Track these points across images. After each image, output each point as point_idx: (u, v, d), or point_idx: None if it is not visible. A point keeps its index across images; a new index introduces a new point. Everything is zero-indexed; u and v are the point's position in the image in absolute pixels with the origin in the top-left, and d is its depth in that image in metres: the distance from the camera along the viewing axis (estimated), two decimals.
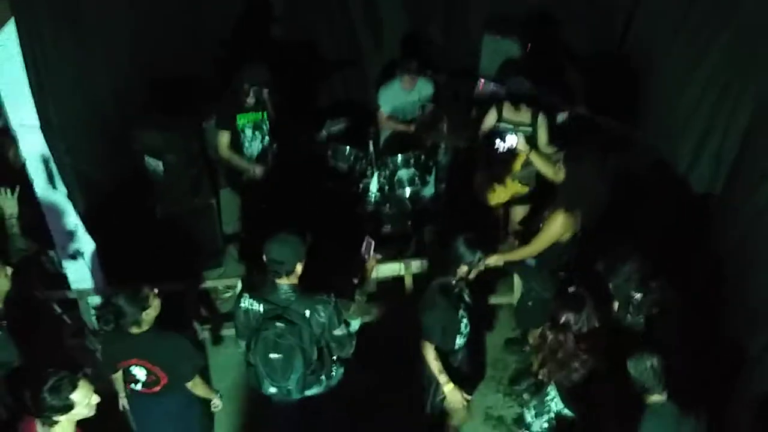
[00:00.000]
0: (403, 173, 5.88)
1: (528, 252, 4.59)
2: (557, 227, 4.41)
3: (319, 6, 6.97)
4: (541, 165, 4.89)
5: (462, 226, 4.37)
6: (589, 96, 6.18)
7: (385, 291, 5.44)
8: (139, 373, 3.89)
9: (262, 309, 3.81)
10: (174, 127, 5.59)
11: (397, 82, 6.15)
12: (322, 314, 3.77)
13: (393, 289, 5.37)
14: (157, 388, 3.92)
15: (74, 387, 3.09)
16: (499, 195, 5.52)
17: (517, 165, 5.30)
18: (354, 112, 6.70)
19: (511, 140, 4.98)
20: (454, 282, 4.10)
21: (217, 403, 4.25)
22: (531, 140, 5.11)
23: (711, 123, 4.77)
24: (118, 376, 4.02)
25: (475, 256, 4.03)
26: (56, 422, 3.12)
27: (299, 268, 3.77)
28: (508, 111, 5.39)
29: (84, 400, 3.13)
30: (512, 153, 5.13)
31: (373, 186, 5.93)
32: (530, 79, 5.38)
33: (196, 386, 4.04)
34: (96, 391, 3.20)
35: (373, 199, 5.94)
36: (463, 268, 4.07)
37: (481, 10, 6.83)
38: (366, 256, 4.34)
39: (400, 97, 6.20)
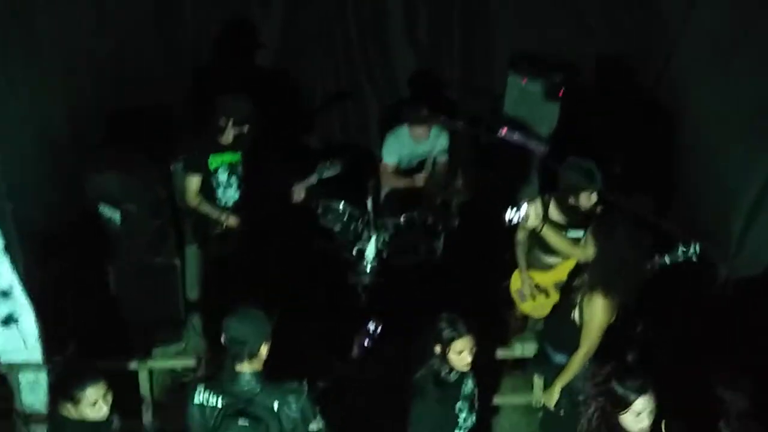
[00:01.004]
0: (406, 236, 5.95)
1: (582, 359, 4.62)
2: (601, 315, 4.47)
3: (316, 32, 7.13)
4: (558, 243, 4.93)
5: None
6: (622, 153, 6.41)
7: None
8: None
9: (220, 403, 3.79)
10: (136, 170, 5.62)
11: (405, 130, 6.24)
12: (294, 406, 3.77)
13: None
14: None
15: None
16: (539, 306, 5.51)
17: (564, 272, 5.28)
18: (351, 157, 6.79)
19: (524, 210, 4.86)
20: (443, 369, 4.16)
21: None
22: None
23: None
24: None
25: (452, 334, 4.10)
26: None
27: (264, 350, 3.77)
28: (559, 208, 5.24)
29: None
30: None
31: (370, 252, 5.98)
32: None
33: None
34: None
35: (368, 268, 5.98)
36: (437, 348, 4.14)
37: (505, 48, 7.04)
38: (363, 346, 4.38)
39: (409, 147, 6.30)
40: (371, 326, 4.45)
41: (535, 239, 5.19)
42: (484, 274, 5.92)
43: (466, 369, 4.24)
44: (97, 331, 5.29)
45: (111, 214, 5.58)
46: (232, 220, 5.71)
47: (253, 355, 3.75)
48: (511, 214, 4.89)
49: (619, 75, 6.89)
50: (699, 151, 5.94)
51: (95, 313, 5.42)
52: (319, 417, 3.87)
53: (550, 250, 5.17)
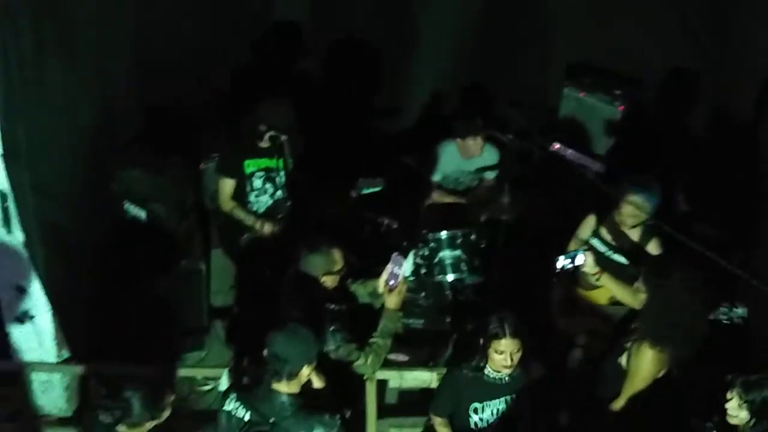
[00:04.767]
0: (447, 255, 5.89)
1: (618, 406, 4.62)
2: (647, 366, 4.43)
3: (363, 42, 7.16)
4: (618, 291, 4.96)
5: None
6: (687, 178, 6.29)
7: (408, 406, 5.42)
8: None
9: (247, 417, 3.83)
10: (164, 169, 5.71)
11: (453, 146, 6.25)
12: None
13: (420, 405, 5.35)
14: None
15: None
16: None
17: (603, 297, 5.30)
18: (394, 173, 6.78)
19: (579, 259, 4.96)
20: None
21: None
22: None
23: None
24: None
25: (497, 330, 4.27)
26: None
27: (305, 372, 3.80)
28: (609, 228, 5.31)
29: None
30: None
31: (407, 267, 5.95)
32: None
33: None
34: None
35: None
36: (480, 340, 4.34)
37: (561, 59, 6.98)
38: (392, 281, 4.38)
39: (456, 163, 6.30)
40: (394, 266, 4.47)
41: None
42: (529, 294, 5.82)
43: (504, 372, 4.38)
44: (117, 336, 5.32)
45: (137, 213, 5.66)
46: (267, 228, 5.73)
47: (292, 375, 3.78)
48: (563, 262, 4.99)
49: (688, 91, 6.76)
50: None
51: (115, 316, 5.46)
52: None
53: None
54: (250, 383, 4.06)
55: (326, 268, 4.53)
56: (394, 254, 4.53)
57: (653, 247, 5.26)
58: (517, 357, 4.33)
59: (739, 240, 5.99)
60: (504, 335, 4.27)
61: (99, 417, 3.84)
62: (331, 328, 4.34)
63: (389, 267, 4.48)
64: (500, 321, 4.31)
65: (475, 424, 4.54)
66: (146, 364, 5.07)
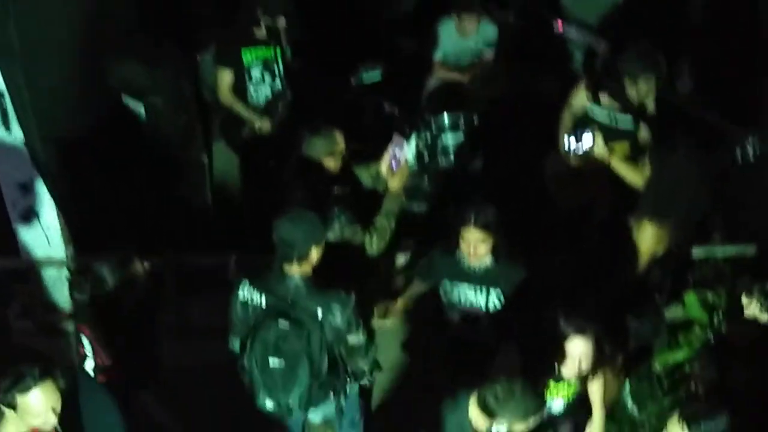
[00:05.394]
0: (449, 138, 5.89)
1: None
2: (647, 242, 4.45)
3: None
4: (628, 173, 4.85)
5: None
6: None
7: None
8: (87, 346, 4.03)
9: (264, 302, 3.90)
10: (161, 60, 5.63)
11: (452, 23, 6.19)
12: (338, 315, 3.83)
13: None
14: (102, 377, 4.04)
15: (28, 388, 3.20)
16: None
17: None
18: (394, 57, 6.72)
19: (588, 140, 4.86)
20: None
21: None
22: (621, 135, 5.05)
23: None
24: None
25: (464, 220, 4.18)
26: None
27: (315, 254, 3.85)
28: (609, 91, 5.19)
29: (38, 409, 3.23)
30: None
31: (410, 152, 5.96)
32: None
33: None
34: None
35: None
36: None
37: None
38: (394, 163, 4.41)
39: (455, 40, 6.24)
40: (396, 148, 4.47)
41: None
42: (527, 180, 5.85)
43: (472, 261, 4.31)
44: (122, 229, 5.38)
45: (135, 107, 5.64)
46: (266, 125, 5.72)
47: (302, 257, 3.82)
48: (571, 144, 4.89)
49: None
50: None
51: (120, 210, 5.51)
52: (361, 330, 3.94)
53: None
54: (260, 270, 4.09)
55: (328, 149, 4.54)
56: (395, 135, 4.51)
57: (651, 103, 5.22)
58: (481, 248, 4.24)
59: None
60: (470, 224, 4.21)
61: (74, 296, 3.96)
62: (335, 210, 4.38)
63: (390, 149, 4.47)
64: (473, 210, 4.23)
65: (447, 302, 4.52)
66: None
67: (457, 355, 4.53)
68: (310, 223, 3.87)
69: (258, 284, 3.94)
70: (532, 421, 3.47)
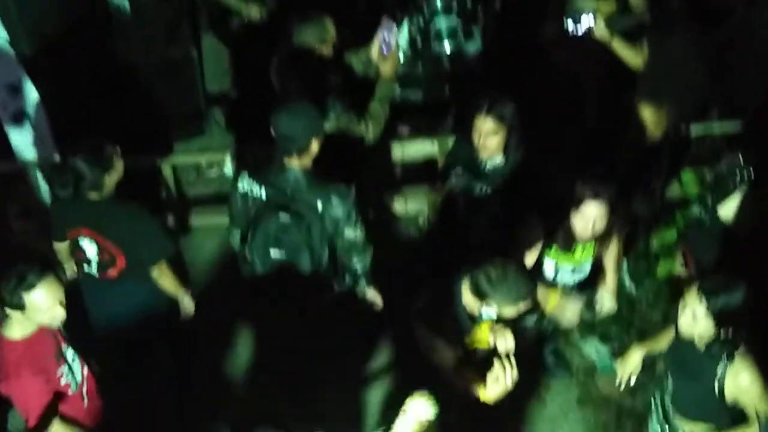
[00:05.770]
0: (443, 22, 5.79)
1: None
2: (647, 122, 4.44)
3: None
4: (628, 55, 4.78)
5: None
6: None
7: (411, 177, 5.56)
8: (90, 248, 4.03)
9: (264, 194, 3.90)
10: None
11: None
12: (338, 208, 3.85)
13: (423, 175, 5.45)
14: (114, 272, 4.07)
15: (32, 285, 3.22)
16: None
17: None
18: None
19: (587, 21, 4.74)
20: None
21: (187, 305, 4.35)
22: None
23: None
24: (64, 248, 4.17)
25: (478, 110, 4.12)
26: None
27: (315, 146, 3.83)
28: None
29: (45, 304, 3.26)
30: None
31: (402, 38, 5.85)
32: None
33: (162, 277, 4.16)
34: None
35: (401, 57, 5.89)
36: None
37: None
38: (384, 48, 4.36)
39: None
40: (385, 32, 4.38)
41: None
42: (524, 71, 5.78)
43: (488, 153, 4.24)
44: (114, 129, 5.35)
45: (120, 2, 5.53)
46: (254, 11, 5.62)
47: (302, 150, 3.80)
48: (572, 26, 4.78)
49: None
50: None
51: (111, 109, 5.47)
52: (360, 224, 3.95)
53: None
54: (260, 163, 4.09)
55: (319, 36, 4.47)
56: (385, 19, 4.43)
57: None
58: (492, 141, 4.17)
59: None
60: (483, 113, 4.12)
61: (57, 193, 3.94)
62: (329, 99, 4.34)
63: (380, 34, 4.39)
64: (487, 99, 4.15)
65: (453, 186, 4.45)
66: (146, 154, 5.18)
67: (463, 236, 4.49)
68: (309, 115, 3.82)
69: (257, 177, 3.93)
70: (522, 306, 3.52)
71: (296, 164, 3.84)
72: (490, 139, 4.18)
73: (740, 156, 4.06)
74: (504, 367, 3.44)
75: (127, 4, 5.52)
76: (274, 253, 3.87)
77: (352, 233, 3.94)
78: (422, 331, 3.65)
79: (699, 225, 4.31)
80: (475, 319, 3.69)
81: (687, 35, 4.58)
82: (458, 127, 5.58)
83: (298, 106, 3.87)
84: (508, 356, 3.52)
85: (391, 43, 4.36)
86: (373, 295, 4.28)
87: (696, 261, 4.19)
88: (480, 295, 3.49)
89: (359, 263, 4.07)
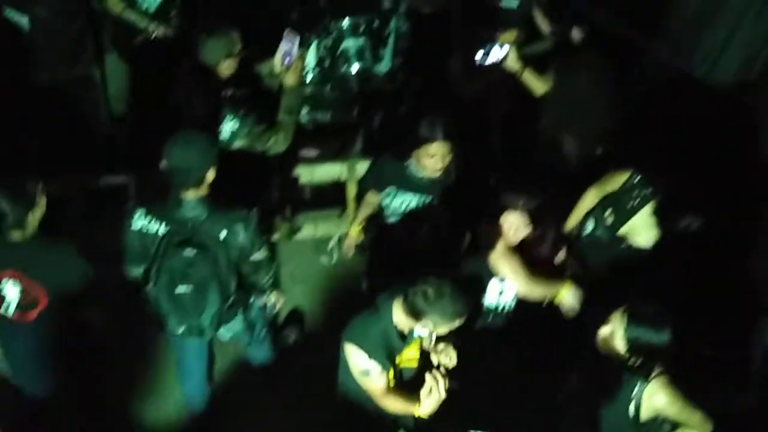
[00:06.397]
0: (351, 43, 5.81)
1: None
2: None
3: None
4: (538, 87, 4.91)
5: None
6: None
7: (322, 199, 5.55)
8: (11, 291, 3.91)
9: (162, 230, 3.83)
10: None
11: None
12: (241, 235, 3.83)
13: (332, 198, 5.46)
14: (33, 313, 3.96)
15: None
16: None
17: None
18: None
19: (497, 54, 4.88)
20: None
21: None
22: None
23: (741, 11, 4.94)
24: None
25: (428, 135, 4.19)
26: None
27: (210, 175, 3.78)
28: None
29: None
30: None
31: (310, 59, 5.88)
32: None
33: None
34: None
35: (308, 78, 5.91)
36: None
37: None
38: (287, 59, 4.39)
39: None
40: (289, 43, 4.44)
41: None
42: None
43: (434, 174, 4.34)
44: (16, 153, 5.21)
45: (18, 19, 5.39)
46: (160, 30, 5.55)
47: (199, 182, 3.75)
48: (481, 56, 4.89)
49: None
50: None
51: (10, 133, 5.32)
52: (264, 247, 3.97)
53: None
54: (154, 198, 3.98)
55: (226, 50, 4.46)
56: (287, 31, 4.45)
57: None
58: (445, 161, 4.29)
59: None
60: (435, 138, 4.22)
61: None
62: (239, 114, 4.33)
63: (283, 45, 4.42)
64: (431, 124, 4.23)
65: (386, 206, 4.59)
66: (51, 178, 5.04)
67: (394, 259, 4.59)
68: (203, 146, 3.77)
69: (155, 212, 3.84)
70: (457, 323, 3.57)
71: (193, 195, 3.78)
72: (444, 161, 4.29)
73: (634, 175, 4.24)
74: (436, 379, 3.54)
75: (26, 22, 5.38)
76: (181, 288, 3.81)
77: (258, 255, 3.95)
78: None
79: (594, 241, 4.46)
80: (405, 339, 3.74)
81: (590, 66, 4.70)
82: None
83: (191, 136, 3.80)
84: (438, 368, 3.63)
85: (293, 54, 4.37)
86: (277, 298, 4.37)
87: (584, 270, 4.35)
88: (415, 314, 3.54)
89: (266, 278, 4.12)
